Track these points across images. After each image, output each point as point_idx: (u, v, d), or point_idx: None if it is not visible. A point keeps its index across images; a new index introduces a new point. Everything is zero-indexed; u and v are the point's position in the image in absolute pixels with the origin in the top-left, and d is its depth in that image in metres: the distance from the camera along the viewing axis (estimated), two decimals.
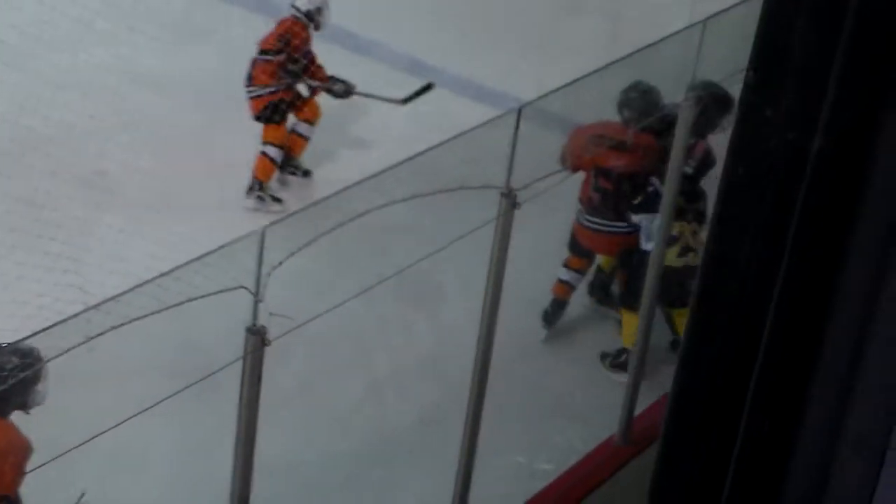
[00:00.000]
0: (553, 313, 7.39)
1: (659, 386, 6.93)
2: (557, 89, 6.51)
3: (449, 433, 5.71)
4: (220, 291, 5.68)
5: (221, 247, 5.21)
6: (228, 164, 8.49)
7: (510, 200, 5.62)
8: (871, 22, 1.58)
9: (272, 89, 8.43)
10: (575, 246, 7.29)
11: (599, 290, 7.65)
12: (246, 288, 4.71)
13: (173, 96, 9.11)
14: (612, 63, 6.57)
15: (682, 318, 7.28)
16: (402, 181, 6.83)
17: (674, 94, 7.26)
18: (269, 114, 8.43)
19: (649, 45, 6.89)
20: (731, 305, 1.75)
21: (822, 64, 1.62)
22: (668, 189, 6.20)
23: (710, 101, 6.58)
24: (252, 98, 8.46)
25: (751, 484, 1.78)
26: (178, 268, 5.20)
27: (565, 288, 7.38)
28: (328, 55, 9.62)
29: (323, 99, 8.67)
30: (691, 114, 6.18)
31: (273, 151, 8.42)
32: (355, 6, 10.06)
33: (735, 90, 7.02)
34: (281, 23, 8.53)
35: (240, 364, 4.53)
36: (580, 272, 7.38)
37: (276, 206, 8.20)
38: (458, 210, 5.94)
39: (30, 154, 7.79)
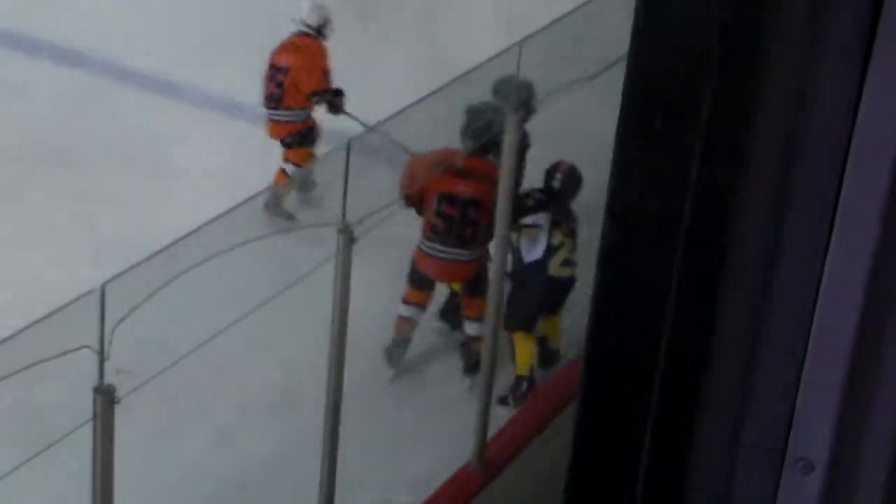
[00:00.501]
0: (396, 352, 7.25)
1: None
2: (384, 121, 6.56)
3: (306, 473, 5.68)
4: (64, 353, 5.57)
5: (60, 307, 5.12)
6: (46, 221, 8.30)
7: (347, 236, 5.62)
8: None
9: (304, 116, 8.33)
10: (415, 277, 7.22)
11: (452, 315, 7.59)
12: (90, 347, 4.62)
13: None
14: (437, 91, 6.64)
15: (553, 323, 7.42)
16: (240, 226, 6.80)
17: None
18: (301, 139, 8.32)
19: (471, 70, 6.99)
20: (626, 322, 1.79)
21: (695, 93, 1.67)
22: (502, 197, 6.26)
23: (519, 97, 6.78)
24: (280, 122, 8.32)
25: (657, 491, 1.83)
26: (17, 333, 5.08)
27: (407, 325, 7.27)
28: (142, 101, 9.55)
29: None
30: (517, 124, 6.30)
31: (292, 170, 8.33)
32: (165, 49, 9.97)
33: (558, 107, 7.24)
34: (306, 50, 8.36)
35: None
36: (420, 306, 7.29)
37: (288, 223, 8.02)
38: (299, 249, 5.97)
39: None
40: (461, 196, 7.04)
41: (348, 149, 5.81)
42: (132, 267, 5.41)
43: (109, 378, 4.61)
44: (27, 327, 4.99)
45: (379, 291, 7.24)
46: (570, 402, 6.56)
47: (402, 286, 7.25)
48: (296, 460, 6.34)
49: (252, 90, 9.50)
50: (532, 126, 7.21)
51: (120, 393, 4.60)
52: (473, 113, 7.20)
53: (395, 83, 9.06)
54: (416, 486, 6.21)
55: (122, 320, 4.86)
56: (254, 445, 6.68)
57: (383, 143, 6.66)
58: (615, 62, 6.94)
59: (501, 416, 6.49)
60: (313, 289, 5.85)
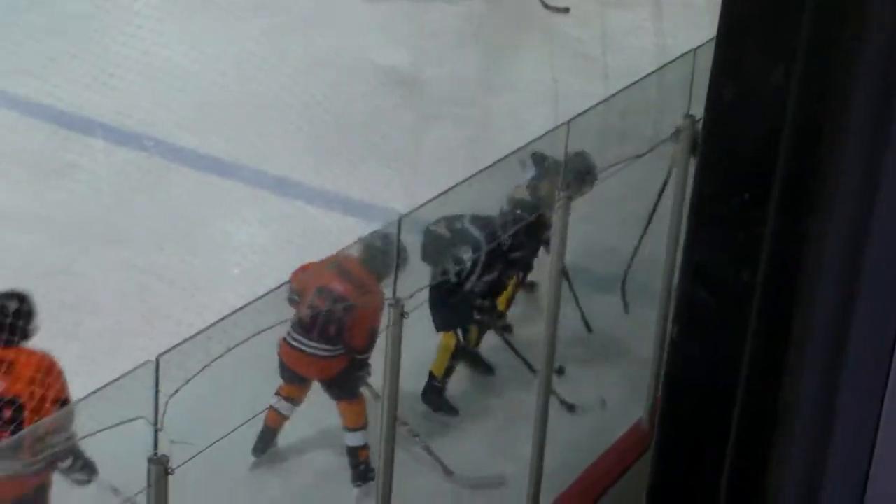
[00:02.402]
0: (264, 441, 7.09)
1: None
2: (434, 198, 6.63)
3: None
4: (120, 423, 5.60)
5: (116, 379, 5.17)
6: (99, 296, 8.39)
7: (398, 310, 5.68)
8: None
9: None
10: (283, 371, 7.02)
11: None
12: (145, 418, 4.66)
13: (37, 232, 9.02)
14: (483, 170, 6.70)
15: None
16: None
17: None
18: None
19: (520, 149, 7.08)
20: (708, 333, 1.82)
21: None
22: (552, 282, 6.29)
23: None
24: None
25: None
26: (75, 403, 5.14)
27: (278, 416, 7.11)
28: (192, 179, 9.68)
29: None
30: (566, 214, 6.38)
31: None
32: (216, 129, 10.12)
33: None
34: None
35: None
36: (292, 400, 7.11)
37: None
38: None
39: None
40: (334, 291, 6.82)
41: (399, 225, 5.88)
42: (185, 340, 5.49)
43: (163, 449, 4.65)
44: (83, 398, 5.05)
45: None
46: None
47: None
48: None
49: (301, 168, 9.66)
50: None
51: (173, 464, 4.63)
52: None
53: (439, 162, 9.19)
54: None
55: (176, 392, 4.92)
56: None
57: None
58: (664, 140, 7.03)
59: None
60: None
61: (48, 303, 8.15)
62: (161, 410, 4.67)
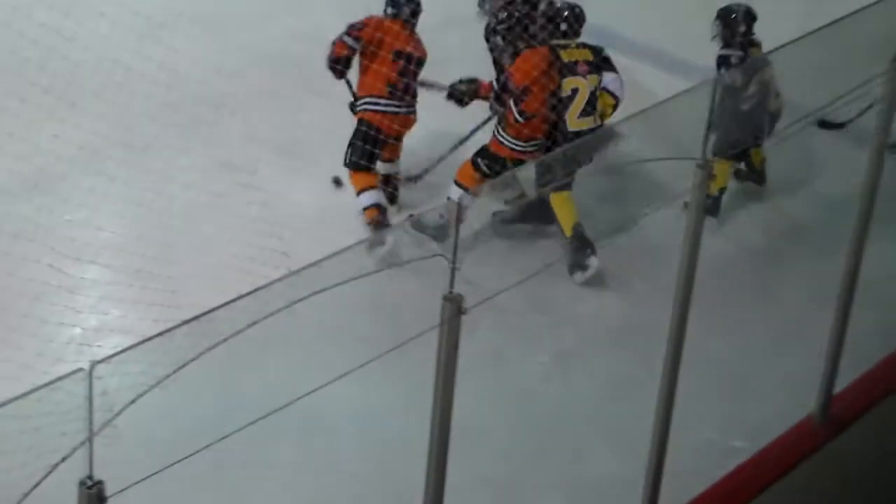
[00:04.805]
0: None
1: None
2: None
3: (637, 405, 5.68)
4: (419, 259, 5.70)
5: (418, 214, 5.26)
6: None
7: (705, 171, 5.52)
8: None
9: None
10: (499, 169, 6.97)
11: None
12: (443, 255, 4.72)
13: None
14: (811, 33, 6.42)
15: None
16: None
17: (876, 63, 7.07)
18: None
19: (848, 15, 6.73)
20: None
21: None
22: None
23: None
24: None
25: None
26: (385, 231, 5.25)
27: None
28: None
29: None
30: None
31: None
32: None
33: None
34: None
35: (429, 333, 4.52)
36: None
37: None
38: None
39: (227, 119, 7.96)
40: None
41: (714, 86, 5.68)
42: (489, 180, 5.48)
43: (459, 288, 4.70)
44: (386, 230, 5.16)
45: None
46: None
47: None
48: (633, 391, 6.36)
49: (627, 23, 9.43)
50: None
51: (468, 304, 4.68)
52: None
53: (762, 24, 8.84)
54: (752, 433, 6.10)
55: (476, 233, 4.99)
56: (590, 374, 6.73)
57: None
58: None
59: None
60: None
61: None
62: (459, 250, 4.71)
